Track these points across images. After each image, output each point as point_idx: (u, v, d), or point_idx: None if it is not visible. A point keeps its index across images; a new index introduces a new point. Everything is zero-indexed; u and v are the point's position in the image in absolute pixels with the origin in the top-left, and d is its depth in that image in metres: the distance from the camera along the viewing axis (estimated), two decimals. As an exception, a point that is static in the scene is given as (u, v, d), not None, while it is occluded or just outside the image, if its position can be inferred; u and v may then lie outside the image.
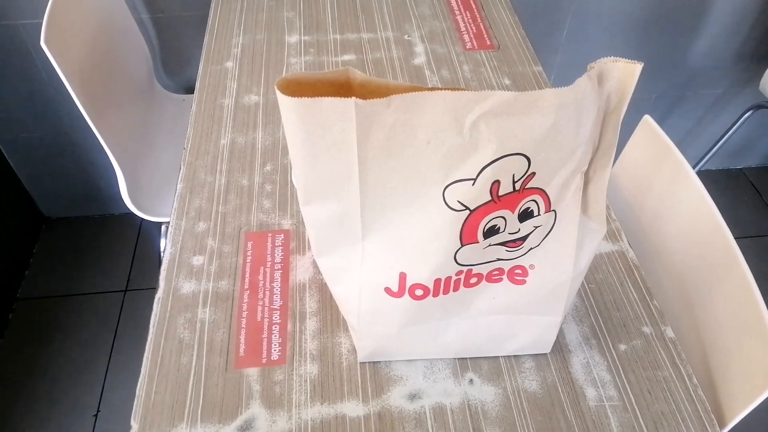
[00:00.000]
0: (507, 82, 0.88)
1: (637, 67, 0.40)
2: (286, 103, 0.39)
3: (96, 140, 1.40)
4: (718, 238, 0.60)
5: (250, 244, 0.66)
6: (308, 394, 0.55)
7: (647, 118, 0.71)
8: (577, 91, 0.39)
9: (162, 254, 1.10)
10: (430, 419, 0.54)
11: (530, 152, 0.41)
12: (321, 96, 0.38)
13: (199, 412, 0.53)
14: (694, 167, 1.54)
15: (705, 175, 1.83)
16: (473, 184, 0.42)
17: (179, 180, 0.73)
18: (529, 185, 0.44)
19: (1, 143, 1.41)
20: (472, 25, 0.98)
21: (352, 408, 0.54)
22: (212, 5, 1.01)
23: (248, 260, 0.65)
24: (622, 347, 0.59)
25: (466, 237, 0.45)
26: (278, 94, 0.38)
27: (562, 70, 1.44)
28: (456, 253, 0.46)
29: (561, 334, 0.60)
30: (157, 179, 1.10)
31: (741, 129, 1.60)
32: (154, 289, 1.40)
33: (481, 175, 0.41)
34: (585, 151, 0.44)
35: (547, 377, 0.57)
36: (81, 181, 1.52)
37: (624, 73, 0.41)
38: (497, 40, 0.95)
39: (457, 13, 1.01)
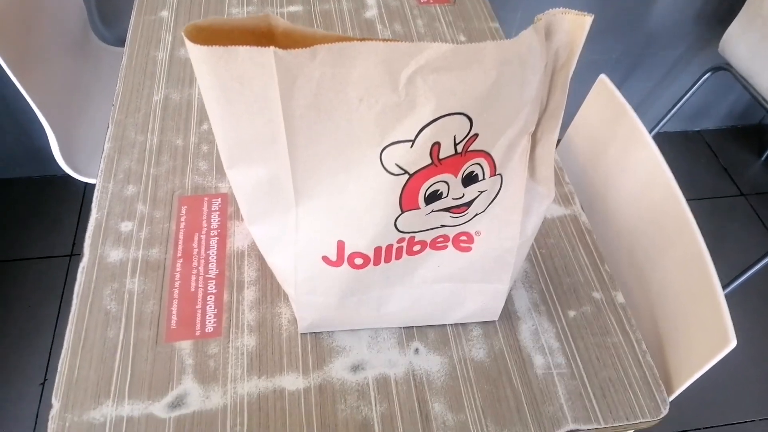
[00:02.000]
0: (462, 38, 0.84)
1: (587, 20, 0.37)
2: (196, 53, 0.34)
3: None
4: (671, 203, 0.58)
5: (184, 209, 0.62)
6: (245, 368, 0.52)
7: (603, 78, 0.68)
8: (521, 45, 0.36)
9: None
10: (373, 390, 0.51)
11: (472, 112, 0.38)
12: (238, 46, 0.34)
13: (127, 388, 0.50)
14: (652, 129, 1.54)
15: (663, 138, 1.84)
16: (411, 146, 0.39)
17: (107, 139, 0.67)
18: (472, 147, 0.40)
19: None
20: (428, -25, 0.93)
21: (292, 381, 0.51)
22: (148, -52, 0.93)
23: (182, 226, 0.60)
24: (572, 313, 0.58)
25: (406, 203, 0.42)
26: (186, 42, 0.34)
27: (522, 28, 1.40)
28: (396, 219, 0.43)
29: (510, 301, 0.58)
30: (93, 138, 1.03)
31: (699, 91, 1.60)
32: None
33: (419, 136, 0.38)
34: (531, 110, 0.41)
35: (495, 345, 0.55)
36: (20, 140, 1.43)
37: (574, 25, 0.38)
38: (454, -7, 0.91)
39: (412, -38, 0.95)
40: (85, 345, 0.52)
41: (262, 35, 0.37)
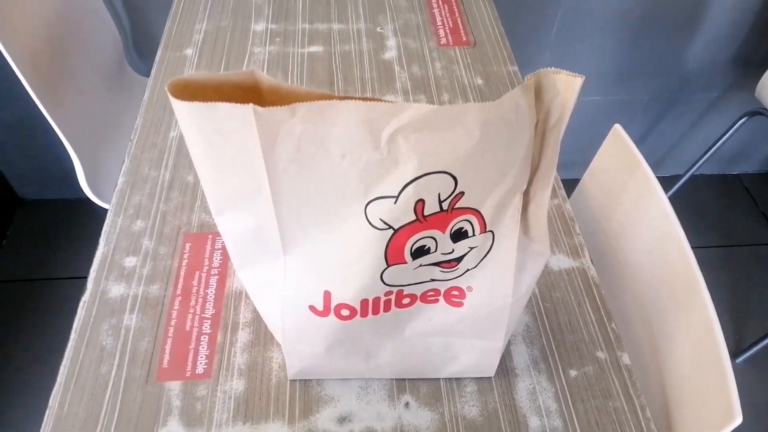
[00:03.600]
0: (480, 81, 0.83)
1: (578, 81, 0.36)
2: (179, 108, 0.35)
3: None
4: (683, 264, 0.56)
5: (188, 246, 0.62)
6: (231, 413, 0.51)
7: (617, 128, 0.66)
8: (505, 106, 0.35)
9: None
10: (358, 445, 0.50)
11: (456, 171, 0.37)
12: (228, 101, 0.35)
13: (113, 427, 0.50)
14: (686, 171, 1.49)
15: (699, 180, 1.78)
16: (395, 202, 0.38)
17: (121, 174, 0.69)
18: (459, 205, 0.40)
19: (-27, 122, 1.37)
20: (449, 19, 0.94)
21: (276, 429, 0.51)
22: (179, -13, 0.97)
23: (184, 263, 0.61)
24: (573, 373, 0.55)
25: (392, 257, 0.42)
26: (170, 97, 0.34)
27: (553, 67, 1.39)
28: (383, 273, 0.43)
29: (508, 357, 0.56)
30: (119, 166, 1.06)
31: (737, 135, 1.55)
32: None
33: (402, 193, 0.38)
34: (522, 169, 0.40)
35: (489, 403, 0.53)
36: (55, 163, 1.49)
37: (565, 85, 0.37)
38: (474, 36, 0.91)
39: (434, 6, 0.96)
40: (77, 381, 0.52)
41: (249, 89, 0.37)
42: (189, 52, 0.85)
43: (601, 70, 1.40)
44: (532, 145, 0.39)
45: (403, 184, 0.37)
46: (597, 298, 0.61)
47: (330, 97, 0.35)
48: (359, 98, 0.34)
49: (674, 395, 0.56)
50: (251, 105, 0.34)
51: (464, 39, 0.90)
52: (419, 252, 0.42)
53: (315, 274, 0.44)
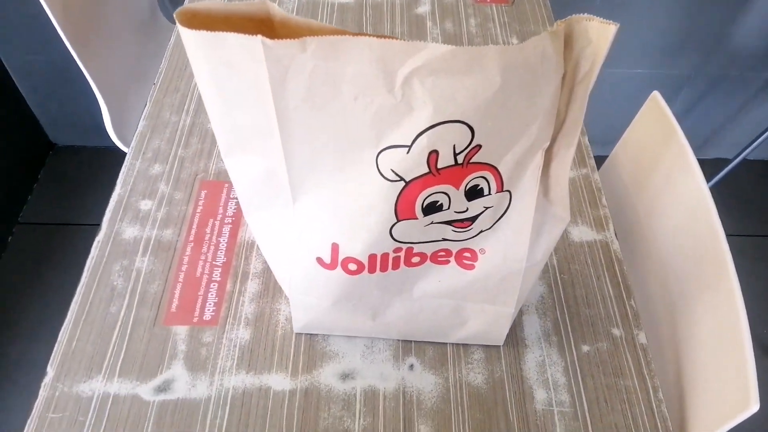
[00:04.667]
0: (515, 41, 0.80)
1: (611, 29, 0.33)
2: (186, 36, 0.33)
3: (102, 69, 1.37)
4: (712, 243, 0.53)
5: (203, 193, 0.62)
6: (235, 361, 0.51)
7: (656, 95, 0.62)
8: (530, 51, 0.32)
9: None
10: (359, 402, 0.49)
11: (473, 121, 0.35)
12: (238, 32, 0.33)
13: (119, 365, 0.50)
14: (735, 156, 1.42)
15: (746, 165, 1.70)
16: (408, 152, 0.36)
17: (142, 117, 0.68)
18: (474, 159, 0.37)
19: (9, 67, 1.39)
20: (489, -25, 0.89)
21: (279, 381, 0.50)
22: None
23: (198, 210, 0.60)
24: (585, 348, 0.53)
25: (402, 211, 0.40)
26: (178, 25, 0.33)
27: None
28: (392, 228, 0.41)
29: (519, 326, 0.54)
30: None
31: (788, 118, 1.46)
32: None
33: (416, 142, 0.36)
34: (545, 124, 0.37)
35: (495, 372, 0.52)
36: (88, 110, 1.50)
37: (597, 34, 0.34)
38: (513, -5, 0.87)
39: (474, -39, 0.92)
40: (87, 318, 0.53)
41: (261, 22, 0.36)
42: (217, -2, 0.83)
43: (646, 40, 1.33)
44: (557, 98, 0.36)
45: (416, 133, 0.35)
46: (618, 273, 0.58)
47: (343, 33, 0.33)
48: (374, 35, 0.32)
49: (690, 379, 0.53)
50: (260, 36, 0.32)
51: (502, -3, 0.86)
52: (431, 208, 0.40)
53: (323, 225, 0.43)
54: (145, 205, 0.61)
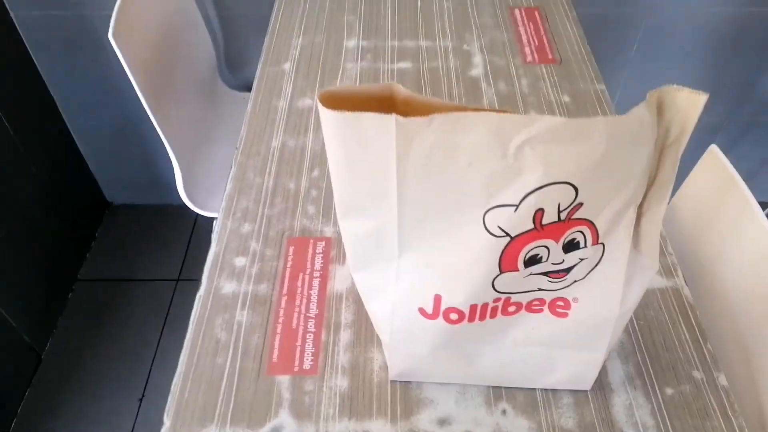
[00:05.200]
0: (566, 99, 0.85)
1: (701, 98, 0.37)
2: (326, 117, 0.38)
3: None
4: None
5: (291, 249, 0.66)
6: (337, 408, 0.54)
7: (714, 148, 0.66)
8: (631, 122, 0.37)
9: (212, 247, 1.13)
10: (457, 446, 0.52)
11: (578, 182, 0.39)
12: (363, 111, 0.38)
13: (229, 415, 0.53)
14: (766, 203, 1.44)
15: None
16: (515, 211, 0.40)
17: (229, 179, 0.74)
18: (575, 216, 0.41)
19: (72, 129, 1.48)
20: (535, 37, 0.95)
21: (380, 427, 0.53)
22: (275, 5, 1.03)
23: (288, 265, 0.65)
24: (669, 391, 0.55)
25: (505, 264, 0.43)
26: (319, 106, 0.38)
27: (628, 88, 1.38)
28: (494, 279, 0.45)
29: (603, 372, 0.57)
30: (213, 175, 1.12)
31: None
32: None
33: (524, 201, 0.40)
34: (639, 184, 0.41)
35: (586, 416, 0.54)
36: (144, 169, 1.58)
37: (687, 103, 0.38)
38: (560, 54, 0.92)
39: (519, 24, 0.98)
40: (196, 369, 0.57)
41: (384, 101, 0.41)
42: (287, 66, 0.90)
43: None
44: (651, 160, 0.40)
45: (525, 193, 0.39)
46: (692, 318, 0.60)
47: (464, 109, 0.37)
48: (492, 110, 0.37)
49: (776, 419, 0.55)
50: (394, 115, 0.37)
51: (550, 57, 0.92)
52: (532, 260, 0.44)
53: (427, 277, 0.46)
54: (240, 261, 0.65)
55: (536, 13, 1.00)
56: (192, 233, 1.60)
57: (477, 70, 0.89)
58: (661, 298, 0.62)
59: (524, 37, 0.95)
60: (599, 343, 0.50)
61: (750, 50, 1.32)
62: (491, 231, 0.42)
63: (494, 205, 0.41)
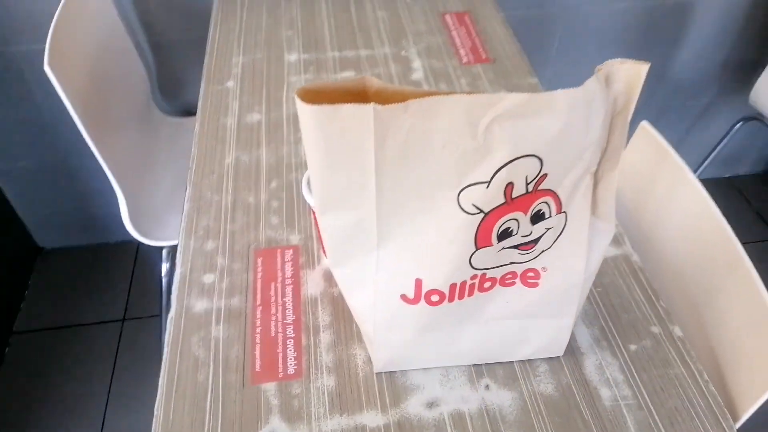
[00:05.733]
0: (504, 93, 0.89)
1: (643, 67, 0.41)
2: (305, 111, 0.40)
3: (92, 167, 1.40)
4: (721, 237, 0.61)
5: (260, 261, 0.66)
6: (327, 407, 0.55)
7: (645, 124, 0.73)
8: (587, 92, 0.40)
9: (162, 278, 1.10)
10: (449, 425, 0.54)
11: (542, 153, 0.42)
12: (342, 104, 0.39)
13: (219, 429, 0.53)
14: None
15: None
16: (487, 187, 0.43)
17: (186, 200, 0.73)
18: (541, 186, 0.44)
19: (-4, 173, 1.40)
20: (467, 39, 1.00)
21: (372, 418, 0.54)
22: (211, 26, 1.03)
23: (259, 276, 0.65)
24: (633, 347, 0.60)
25: (480, 240, 0.46)
26: (298, 102, 0.39)
27: (553, 83, 1.47)
28: (471, 256, 0.47)
29: (572, 338, 0.60)
30: (157, 203, 1.10)
31: (730, 139, 1.63)
32: (152, 317, 1.40)
33: (495, 177, 0.42)
34: (594, 151, 0.45)
35: (562, 380, 0.57)
36: (76, 209, 1.52)
37: (631, 74, 0.42)
38: (492, 54, 0.98)
39: (452, 28, 1.03)
40: (177, 389, 0.55)
41: (357, 94, 0.42)
42: (230, 84, 0.90)
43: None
44: (605, 128, 0.44)
45: (495, 169, 0.42)
46: (643, 280, 0.65)
47: (436, 94, 0.40)
48: (464, 93, 0.39)
49: (726, 360, 0.60)
50: (372, 104, 0.39)
51: (484, 57, 0.97)
52: (504, 234, 0.47)
53: (407, 263, 0.48)
54: (208, 278, 0.65)
55: (466, 17, 1.06)
56: (134, 270, 1.54)
57: (418, 74, 0.93)
58: (614, 265, 0.67)
59: (457, 40, 1.00)
60: (569, 308, 0.53)
61: (658, 40, 1.44)
62: (466, 209, 0.44)
63: (467, 183, 0.43)
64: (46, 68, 0.82)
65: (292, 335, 0.60)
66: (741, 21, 1.44)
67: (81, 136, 0.89)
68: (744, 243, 0.59)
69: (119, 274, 1.53)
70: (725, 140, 1.46)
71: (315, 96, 0.41)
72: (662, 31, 1.42)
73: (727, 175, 1.88)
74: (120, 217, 0.99)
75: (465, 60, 0.96)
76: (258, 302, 0.62)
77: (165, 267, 1.04)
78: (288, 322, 0.61)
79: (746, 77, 1.56)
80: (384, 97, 0.42)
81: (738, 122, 1.42)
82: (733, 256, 0.60)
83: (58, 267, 1.56)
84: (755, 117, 1.38)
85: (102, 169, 1.17)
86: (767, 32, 1.47)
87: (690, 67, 1.52)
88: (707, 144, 1.70)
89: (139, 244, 1.57)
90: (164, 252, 1.06)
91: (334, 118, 0.40)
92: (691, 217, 0.66)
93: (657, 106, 1.60)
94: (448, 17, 1.06)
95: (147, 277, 1.52)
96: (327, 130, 0.40)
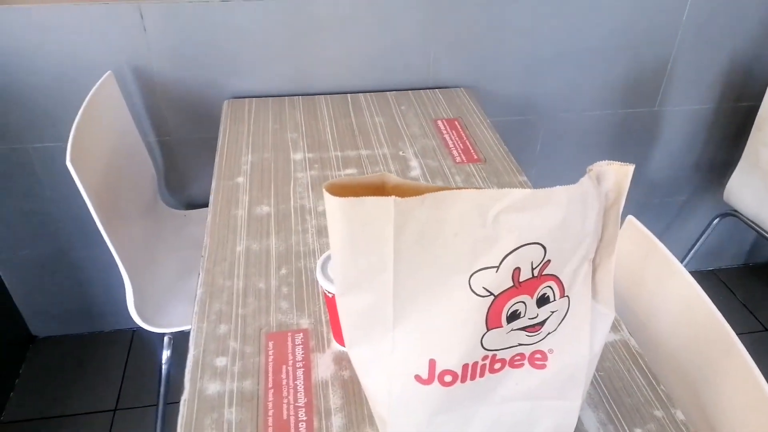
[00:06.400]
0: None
1: (629, 168, 0.47)
2: (333, 203, 0.44)
3: (92, 257, 1.43)
4: (713, 323, 0.65)
5: (271, 344, 0.68)
6: (338, 492, 0.55)
7: (631, 218, 0.78)
8: (582, 188, 0.46)
9: (163, 366, 1.10)
10: None
11: (545, 241, 0.47)
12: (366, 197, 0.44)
13: None
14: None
15: (679, 277, 1.91)
16: (497, 271, 0.47)
17: (198, 285, 0.76)
18: (545, 272, 0.49)
19: (-2, 262, 1.42)
20: (459, 142, 1.09)
21: (383, 503, 0.54)
22: (221, 129, 1.10)
23: (270, 360, 0.67)
24: (638, 431, 0.61)
25: (491, 321, 0.49)
26: (326, 194, 0.44)
27: (539, 182, 1.56)
28: (483, 337, 0.50)
29: (579, 422, 0.62)
30: (160, 291, 1.12)
31: (710, 234, 1.71)
32: (144, 407, 1.38)
33: (503, 262, 0.47)
34: (591, 240, 0.50)
35: (570, 464, 0.58)
36: (73, 299, 1.52)
37: (618, 173, 0.48)
38: (483, 155, 1.05)
39: (444, 132, 1.12)
40: (189, 473, 0.56)
41: (376, 189, 0.47)
42: (240, 180, 0.96)
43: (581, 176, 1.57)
44: (599, 220, 0.49)
45: (503, 255, 0.46)
46: (643, 365, 0.68)
47: (447, 189, 0.45)
48: (473, 188, 0.44)
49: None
50: (393, 197, 0.43)
51: (475, 157, 1.04)
52: (513, 316, 0.50)
53: (422, 343, 0.51)
54: (221, 361, 0.66)
55: (456, 123, 1.15)
56: (127, 359, 1.52)
57: (415, 172, 1.00)
58: (613, 350, 0.70)
59: (450, 143, 1.08)
60: (575, 391, 0.56)
61: (633, 143, 1.55)
62: (477, 292, 0.48)
63: (478, 268, 0.47)
64: (68, 164, 0.87)
65: (304, 418, 0.61)
66: (707, 127, 1.56)
67: (83, 228, 0.93)
68: (738, 334, 0.63)
69: (112, 364, 1.51)
70: (705, 235, 1.53)
71: (340, 189, 0.46)
72: (636, 135, 1.54)
73: (710, 268, 1.95)
74: (116, 306, 1.01)
75: (458, 160, 1.03)
76: (270, 385, 0.64)
77: (166, 354, 1.04)
78: (300, 405, 0.62)
79: (719, 177, 1.67)
80: (401, 191, 0.48)
81: (715, 218, 1.50)
82: (726, 342, 0.64)
83: (50, 355, 1.53)
84: (731, 213, 1.46)
85: (101, 261, 1.21)
86: (733, 136, 1.59)
87: (665, 168, 1.62)
88: (688, 239, 1.78)
89: (134, 333, 1.57)
90: (165, 339, 1.06)
91: (358, 209, 0.44)
92: (683, 305, 0.70)
93: (637, 203, 1.69)
94: (440, 122, 1.15)
95: (141, 367, 1.50)
96: (351, 219, 0.45)
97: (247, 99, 1.23)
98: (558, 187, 0.45)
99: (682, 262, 1.55)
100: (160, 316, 1.07)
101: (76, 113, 0.97)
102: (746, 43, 1.42)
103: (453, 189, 0.45)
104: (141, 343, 1.56)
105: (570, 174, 1.54)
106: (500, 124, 1.41)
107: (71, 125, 0.94)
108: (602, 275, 0.52)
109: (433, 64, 1.29)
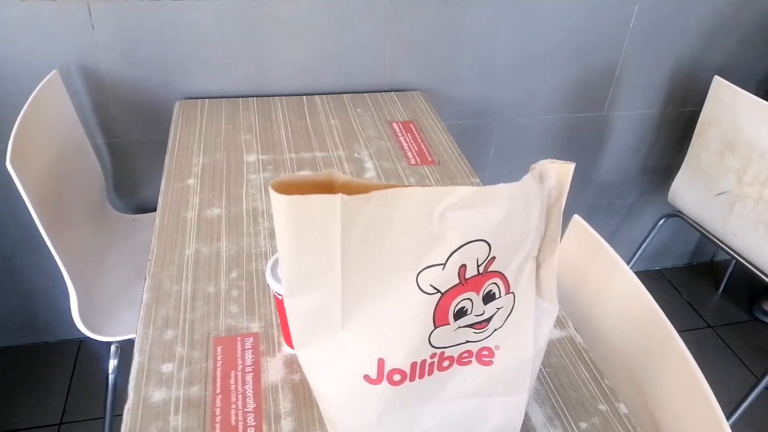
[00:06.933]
0: (450, 191, 0.97)
1: (570, 166, 0.48)
2: (279, 201, 0.44)
3: (36, 265, 1.37)
4: (654, 319, 0.67)
5: (219, 349, 0.67)
6: (288, 495, 0.54)
7: (576, 217, 0.80)
8: (524, 186, 0.47)
9: (110, 375, 1.06)
10: None
11: (490, 238, 0.47)
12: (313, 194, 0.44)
13: None
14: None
15: (629, 277, 1.97)
16: (443, 269, 0.47)
17: (144, 290, 0.74)
18: (490, 268, 0.49)
19: (-68, 271, 1.35)
20: (414, 144, 1.09)
21: (333, 505, 0.54)
22: (171, 129, 1.08)
23: (218, 365, 0.65)
24: (583, 425, 0.63)
25: (438, 319, 0.50)
26: (272, 192, 0.43)
27: (492, 184, 1.58)
28: (430, 335, 0.50)
29: (527, 417, 0.63)
30: (107, 298, 1.08)
31: (656, 234, 1.77)
32: (91, 420, 1.33)
33: (450, 259, 0.47)
34: (534, 238, 0.51)
35: (519, 459, 0.59)
36: (16, 308, 1.46)
37: (560, 171, 0.49)
38: (437, 157, 1.06)
39: (399, 135, 1.12)
40: (132, 482, 0.54)
41: (324, 186, 0.47)
42: (191, 181, 0.94)
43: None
44: (542, 218, 0.50)
45: (449, 252, 0.47)
46: (588, 360, 0.70)
47: (395, 187, 0.45)
48: (419, 186, 0.45)
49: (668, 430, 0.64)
50: (340, 194, 0.43)
51: (430, 159, 1.05)
52: (459, 313, 0.51)
53: (370, 342, 0.51)
54: (167, 368, 0.65)
55: (411, 125, 1.16)
56: (74, 371, 1.47)
57: (370, 173, 1.00)
58: (560, 347, 0.71)
59: (405, 145, 1.09)
60: (522, 386, 0.57)
61: (583, 147, 1.60)
62: (424, 289, 0.48)
63: (425, 266, 0.47)
64: (8, 165, 0.83)
65: (253, 423, 0.60)
66: (653, 131, 1.62)
67: (26, 233, 0.90)
68: (681, 331, 0.65)
69: (57, 376, 1.45)
70: (651, 235, 1.59)
71: (287, 187, 0.45)
72: (586, 139, 1.58)
73: (657, 268, 2.01)
74: (62, 315, 0.98)
75: (413, 162, 1.04)
76: (218, 390, 0.62)
77: (113, 363, 1.01)
78: (248, 410, 0.61)
79: (664, 179, 1.73)
80: (349, 189, 0.47)
81: (661, 218, 1.56)
82: (665, 336, 0.66)
83: (-9, 370, 1.46)
84: (675, 214, 1.52)
85: (46, 268, 1.17)
86: (678, 140, 1.66)
87: (613, 171, 1.68)
88: (636, 239, 1.83)
89: (81, 343, 1.52)
90: (112, 348, 1.03)
91: (304, 208, 0.44)
92: (626, 301, 0.72)
93: (586, 205, 1.73)
94: (395, 125, 1.15)
95: (88, 379, 1.44)
96: (298, 218, 0.44)
97: (199, 100, 1.20)
98: (500, 185, 0.45)
99: (630, 261, 1.61)
100: (107, 324, 1.03)
101: (19, 113, 0.93)
102: (690, 50, 1.48)
103: (399, 187, 0.45)
104: (88, 354, 1.50)
105: (523, 175, 1.57)
106: (455, 127, 1.43)
107: (13, 126, 0.90)
108: (546, 272, 0.53)
109: (390, 68, 1.30)
